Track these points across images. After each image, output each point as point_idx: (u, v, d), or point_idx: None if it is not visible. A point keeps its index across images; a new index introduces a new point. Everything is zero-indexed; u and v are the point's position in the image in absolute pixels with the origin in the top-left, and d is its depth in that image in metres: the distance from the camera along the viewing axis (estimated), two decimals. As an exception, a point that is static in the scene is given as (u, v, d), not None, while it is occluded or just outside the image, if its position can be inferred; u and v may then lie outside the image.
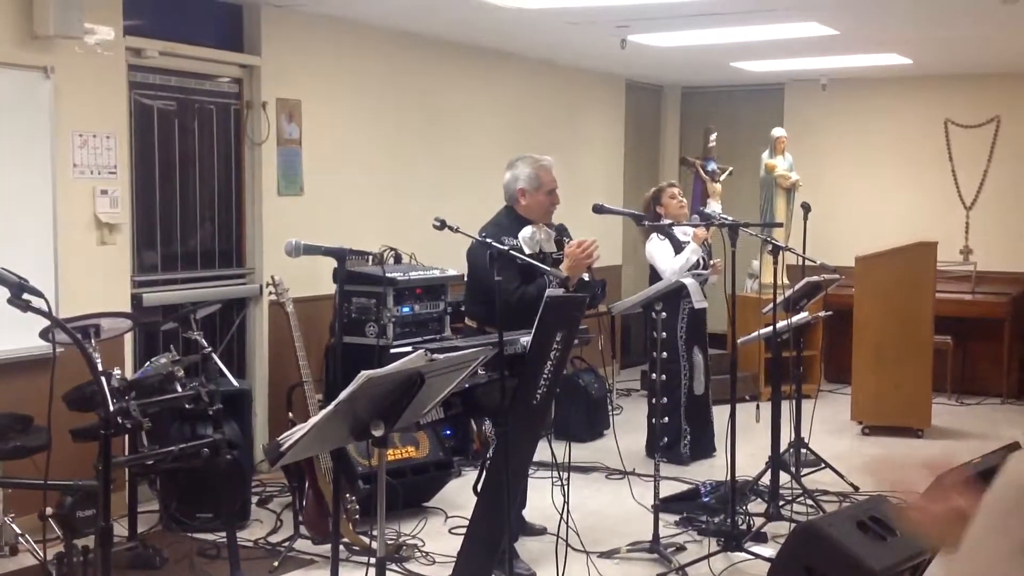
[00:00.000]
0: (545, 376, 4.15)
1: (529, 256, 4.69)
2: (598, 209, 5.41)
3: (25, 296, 2.48)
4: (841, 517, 4.39)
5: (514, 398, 4.01)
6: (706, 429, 7.00)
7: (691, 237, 6.67)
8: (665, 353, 6.77)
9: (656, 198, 6.87)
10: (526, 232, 4.88)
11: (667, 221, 6.67)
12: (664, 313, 6.60)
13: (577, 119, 9.48)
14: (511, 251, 4.00)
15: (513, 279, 4.61)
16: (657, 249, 6.75)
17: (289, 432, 2.71)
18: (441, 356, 2.81)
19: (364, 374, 2.57)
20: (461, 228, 4.14)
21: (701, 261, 6.70)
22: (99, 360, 4.34)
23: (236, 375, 6.20)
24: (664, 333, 6.71)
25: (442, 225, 4.11)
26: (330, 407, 2.61)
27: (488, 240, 4.19)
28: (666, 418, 6.88)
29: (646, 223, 5.56)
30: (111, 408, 3.66)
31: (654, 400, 6.79)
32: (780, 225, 8.34)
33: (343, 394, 2.59)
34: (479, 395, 4.01)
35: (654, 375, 6.64)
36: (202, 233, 6.35)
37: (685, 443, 6.89)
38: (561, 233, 5.04)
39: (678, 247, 6.72)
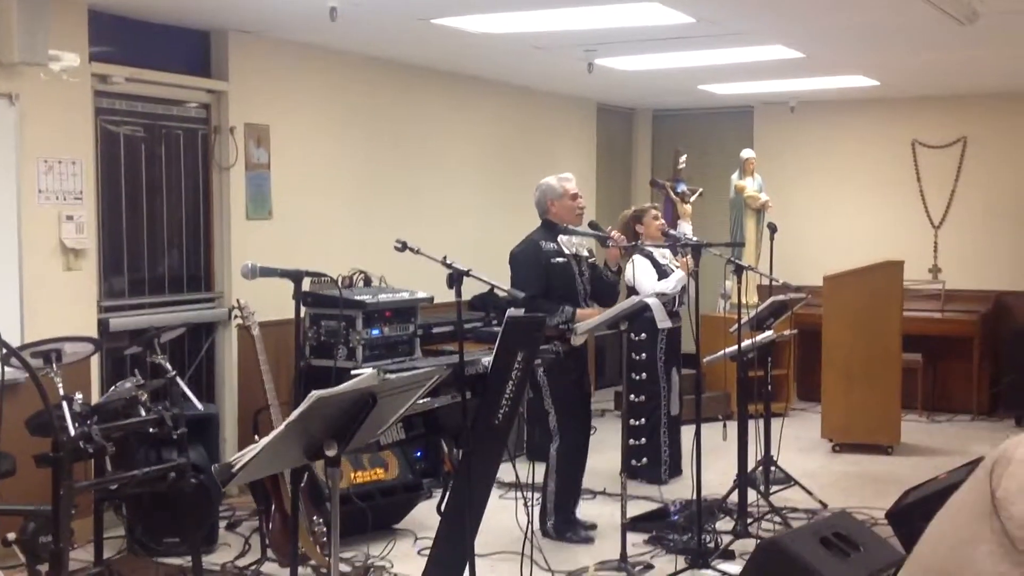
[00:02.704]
0: (507, 396, 4.17)
1: (566, 256, 5.67)
2: (564, 230, 5.51)
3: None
4: (804, 533, 4.42)
5: (476, 418, 4.02)
6: (677, 449, 7.04)
7: (680, 266, 6.73)
8: (645, 374, 6.83)
9: (638, 218, 6.89)
10: (563, 238, 5.68)
11: (647, 245, 6.74)
12: (643, 335, 6.69)
13: (548, 142, 9.54)
14: (470, 273, 4.03)
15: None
16: (640, 270, 6.80)
17: (241, 452, 2.72)
18: (393, 375, 2.83)
19: (314, 394, 2.59)
20: (423, 250, 4.16)
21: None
22: (61, 385, 4.34)
23: (206, 399, 6.21)
24: (644, 354, 6.78)
25: (403, 247, 4.14)
26: (281, 427, 2.62)
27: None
28: (643, 439, 6.92)
29: (610, 243, 5.60)
30: (67, 432, 3.66)
31: (631, 421, 6.84)
32: (742, 245, 8.40)
33: (294, 414, 2.61)
34: (441, 416, 4.02)
35: (631, 396, 6.71)
36: (170, 258, 6.36)
37: (665, 466, 6.91)
38: (594, 227, 5.71)
39: (659, 269, 6.78)
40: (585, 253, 5.83)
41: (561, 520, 5.74)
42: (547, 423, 5.69)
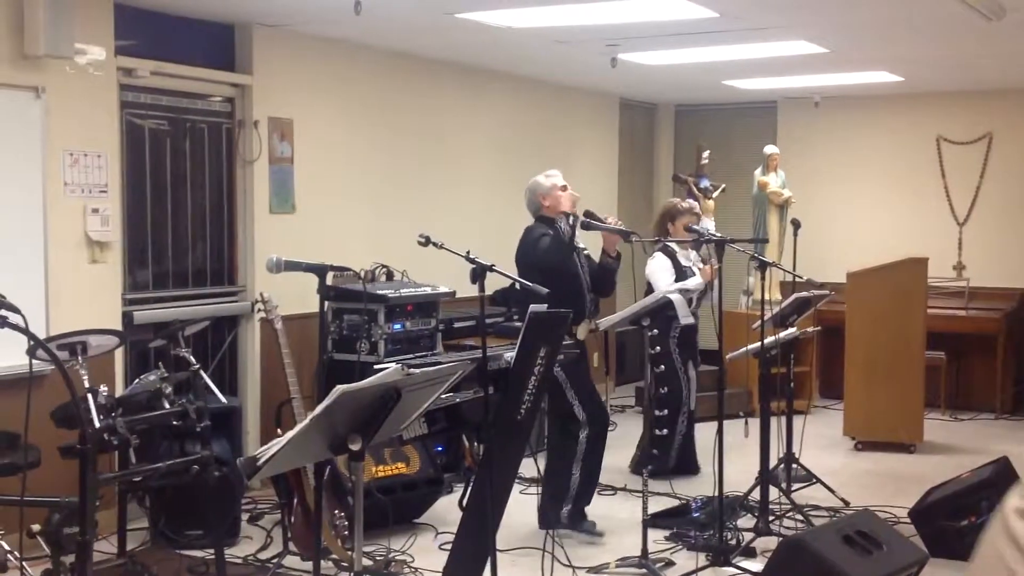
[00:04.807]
0: (529, 391, 4.17)
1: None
2: (587, 225, 5.50)
3: (2, 312, 2.50)
4: (827, 531, 4.40)
5: (498, 414, 4.02)
6: (690, 444, 7.05)
7: (700, 272, 6.71)
8: (663, 366, 6.82)
9: (672, 217, 6.83)
10: (561, 230, 5.65)
11: (671, 243, 6.74)
12: (656, 330, 6.68)
13: (571, 137, 9.52)
14: (494, 268, 4.02)
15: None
16: (659, 268, 6.78)
17: (266, 446, 2.73)
18: (418, 370, 2.83)
19: (339, 388, 2.59)
20: (446, 244, 4.16)
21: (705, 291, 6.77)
22: (86, 377, 4.36)
23: (228, 392, 6.24)
24: (658, 347, 6.77)
25: (426, 241, 4.13)
26: (306, 421, 2.63)
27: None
28: (665, 430, 6.93)
29: (634, 238, 5.58)
30: (93, 424, 3.68)
31: (655, 411, 6.84)
32: (766, 241, 8.36)
33: (319, 408, 2.62)
34: (463, 410, 4.02)
35: (654, 389, 6.70)
36: (194, 251, 6.38)
37: (673, 458, 6.90)
38: (589, 216, 5.57)
39: (679, 269, 6.76)
40: (582, 245, 5.74)
41: (576, 510, 5.75)
42: (573, 415, 5.68)
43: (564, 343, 5.13)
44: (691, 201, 7.33)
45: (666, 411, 6.91)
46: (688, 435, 7.01)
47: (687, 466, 6.98)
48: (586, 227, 5.51)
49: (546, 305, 4.24)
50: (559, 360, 5.20)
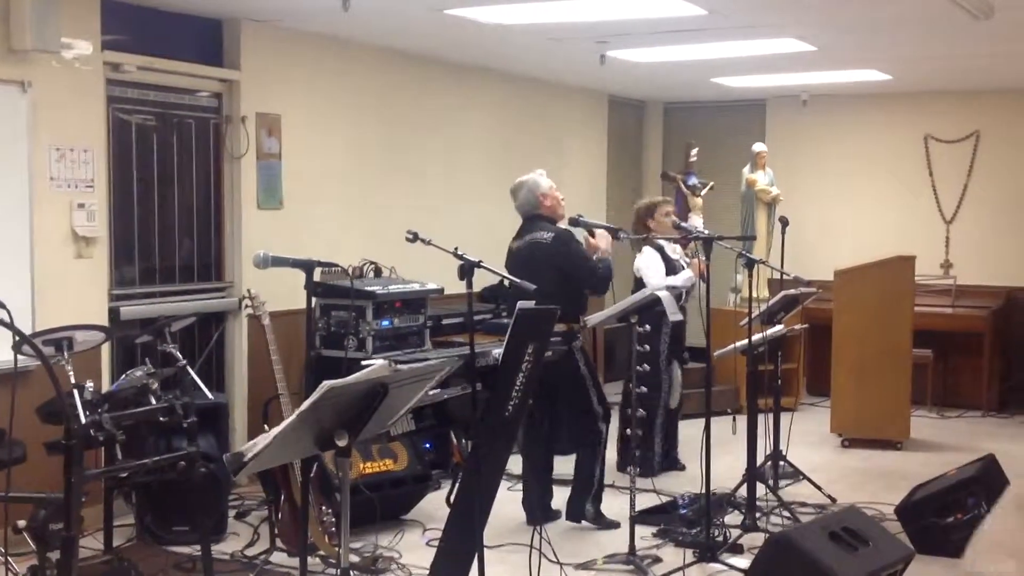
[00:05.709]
0: (517, 388, 4.17)
1: None
2: (575, 222, 5.52)
3: (-13, 306, 2.49)
4: (813, 528, 4.42)
5: (486, 410, 4.02)
6: (674, 443, 7.05)
7: (690, 266, 6.73)
8: (648, 366, 6.81)
9: (649, 212, 6.87)
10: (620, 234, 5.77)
11: (657, 237, 6.75)
12: (647, 326, 6.68)
13: (560, 135, 9.52)
14: (481, 265, 4.01)
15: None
16: (649, 263, 6.79)
17: (253, 442, 2.72)
18: (405, 366, 2.83)
19: (326, 384, 2.59)
20: (434, 240, 4.16)
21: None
22: (72, 373, 4.35)
23: (215, 388, 6.22)
24: (647, 346, 6.77)
25: (414, 238, 4.13)
26: (293, 417, 2.63)
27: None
28: (639, 430, 6.92)
29: (621, 235, 5.59)
30: (78, 420, 3.67)
31: (628, 412, 6.84)
32: (754, 238, 8.37)
33: (305, 404, 2.61)
34: (451, 407, 4.02)
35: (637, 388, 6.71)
36: (181, 247, 6.36)
37: (658, 457, 6.91)
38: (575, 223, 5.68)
39: (668, 263, 6.77)
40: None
41: (597, 507, 5.84)
42: (591, 411, 5.79)
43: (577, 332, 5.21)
44: (663, 197, 7.39)
45: (644, 412, 6.91)
46: (671, 434, 7.02)
47: (671, 463, 7.00)
48: (574, 224, 5.53)
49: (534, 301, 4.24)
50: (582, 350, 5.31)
